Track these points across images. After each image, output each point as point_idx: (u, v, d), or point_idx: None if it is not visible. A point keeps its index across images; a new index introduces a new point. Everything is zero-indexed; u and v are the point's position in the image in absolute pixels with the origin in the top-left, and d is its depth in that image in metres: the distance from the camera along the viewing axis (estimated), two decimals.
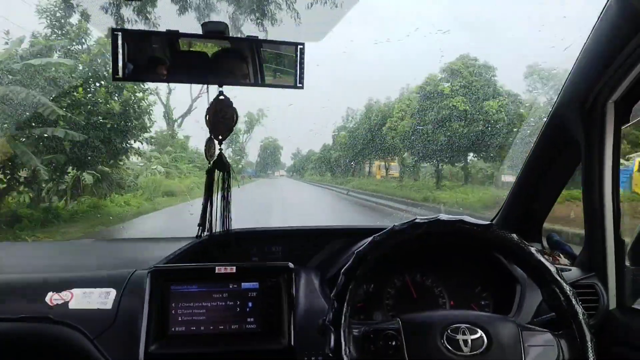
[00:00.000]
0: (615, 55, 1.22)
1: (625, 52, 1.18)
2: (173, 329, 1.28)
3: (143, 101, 10.16)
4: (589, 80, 1.33)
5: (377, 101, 21.59)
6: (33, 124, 8.46)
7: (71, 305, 1.29)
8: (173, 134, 18.80)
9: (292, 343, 1.27)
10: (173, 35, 1.14)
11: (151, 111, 10.68)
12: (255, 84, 1.22)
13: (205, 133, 1.22)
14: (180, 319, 1.29)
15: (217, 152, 1.27)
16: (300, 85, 1.20)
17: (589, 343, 0.98)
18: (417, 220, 1.05)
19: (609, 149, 1.36)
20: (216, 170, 1.32)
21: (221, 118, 1.23)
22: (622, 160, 1.46)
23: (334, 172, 27.40)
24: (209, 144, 1.25)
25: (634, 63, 1.20)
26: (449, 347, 0.98)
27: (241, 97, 1.27)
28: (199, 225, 1.25)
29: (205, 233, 1.28)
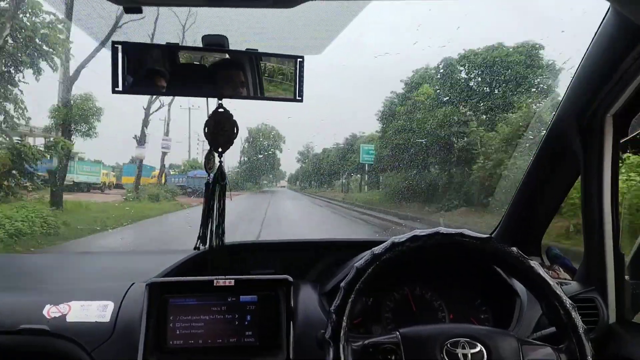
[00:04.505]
0: (613, 68, 1.22)
1: (624, 66, 1.19)
2: (171, 342, 1.27)
3: None
4: (587, 93, 1.34)
5: None
6: None
7: (69, 318, 1.28)
8: None
9: (291, 357, 1.26)
10: (173, 48, 1.15)
11: None
12: (255, 97, 1.22)
13: None
14: (178, 332, 1.28)
15: (217, 164, 1.27)
16: (300, 98, 1.20)
17: (589, 357, 0.97)
18: (416, 233, 1.05)
19: (607, 162, 1.36)
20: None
21: (220, 130, 1.23)
22: None
23: None
24: (209, 157, 1.25)
25: (632, 76, 1.21)
26: None
27: (240, 110, 1.26)
28: (199, 238, 1.25)
29: (205, 246, 1.28)
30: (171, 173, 24.18)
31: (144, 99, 16.90)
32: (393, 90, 18.18)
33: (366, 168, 21.82)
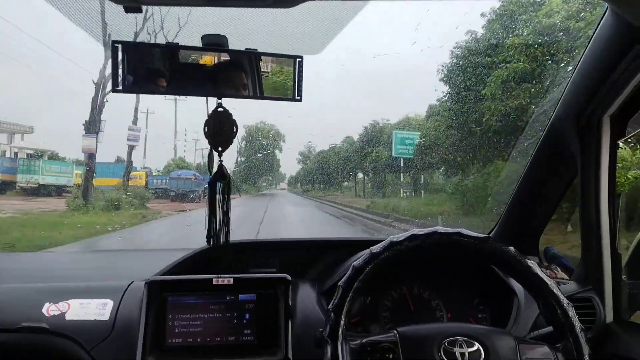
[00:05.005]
0: (611, 69, 1.23)
1: (621, 67, 1.19)
2: (170, 341, 1.27)
3: None
4: (584, 94, 1.35)
5: None
6: None
7: (68, 316, 1.28)
8: None
9: (289, 355, 1.27)
10: (173, 48, 1.15)
11: None
12: (254, 97, 1.22)
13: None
14: (177, 330, 1.28)
15: (216, 163, 1.28)
16: (299, 97, 1.21)
17: (586, 357, 0.98)
18: (414, 233, 1.05)
19: (605, 163, 1.37)
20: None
21: (220, 130, 1.24)
22: None
23: None
24: (211, 156, 1.26)
25: (630, 77, 1.21)
26: None
27: (238, 108, 1.27)
28: (207, 237, 1.26)
29: (215, 244, 1.29)
30: (154, 174, 22.48)
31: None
32: (470, 29, 11.88)
33: (401, 163, 16.62)
